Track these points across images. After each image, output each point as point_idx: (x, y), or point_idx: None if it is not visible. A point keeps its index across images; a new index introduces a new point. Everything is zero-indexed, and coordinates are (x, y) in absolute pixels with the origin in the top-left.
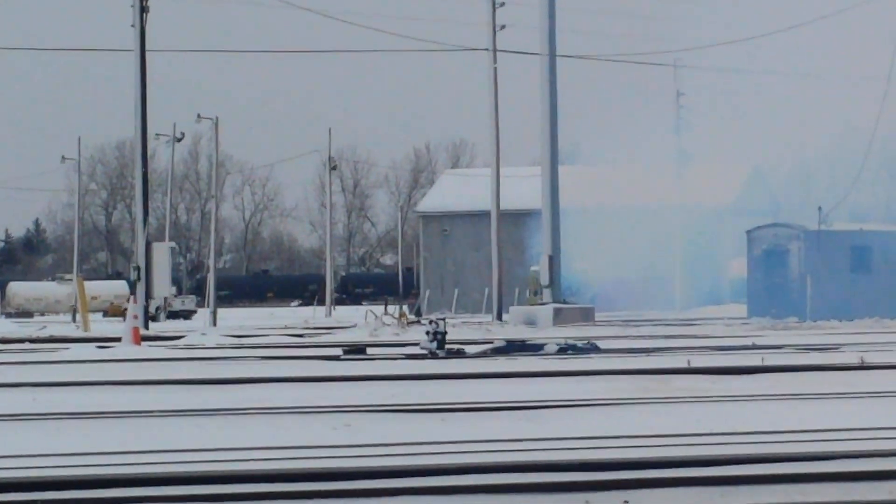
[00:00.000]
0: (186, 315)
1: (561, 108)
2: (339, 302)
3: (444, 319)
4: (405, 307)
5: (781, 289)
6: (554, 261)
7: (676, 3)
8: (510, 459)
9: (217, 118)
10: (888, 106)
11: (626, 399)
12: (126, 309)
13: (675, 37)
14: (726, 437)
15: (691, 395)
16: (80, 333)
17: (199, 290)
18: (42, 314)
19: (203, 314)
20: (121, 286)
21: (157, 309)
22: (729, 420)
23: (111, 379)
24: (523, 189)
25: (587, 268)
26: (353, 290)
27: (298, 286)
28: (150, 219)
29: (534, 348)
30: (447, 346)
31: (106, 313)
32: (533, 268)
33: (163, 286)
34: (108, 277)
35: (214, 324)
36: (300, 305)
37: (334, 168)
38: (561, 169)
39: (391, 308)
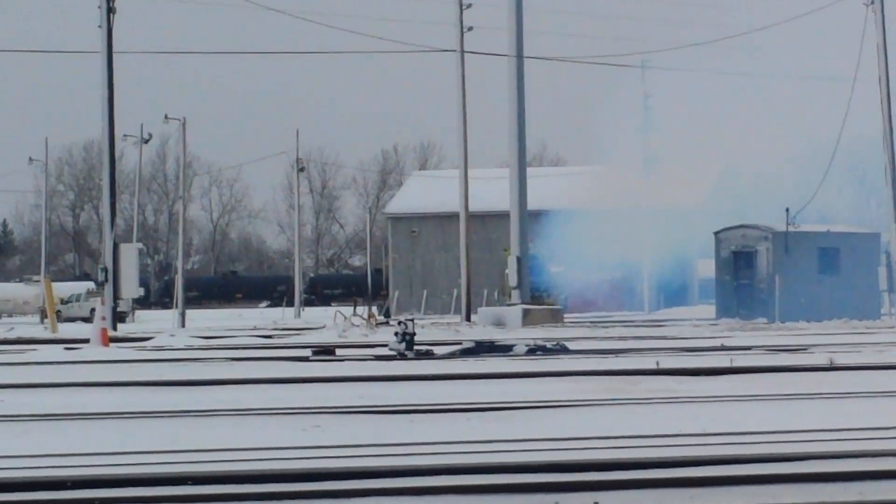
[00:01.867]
0: (121, 318)
1: (529, 110)
2: (307, 303)
3: (412, 320)
4: (374, 308)
5: (750, 290)
6: (522, 262)
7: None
8: (479, 461)
9: (184, 119)
10: (854, 107)
11: (595, 400)
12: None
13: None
14: (695, 438)
15: (660, 397)
16: (47, 335)
17: (167, 292)
18: (10, 315)
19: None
20: (88, 288)
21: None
22: (698, 421)
23: (79, 380)
24: (492, 190)
25: (561, 270)
26: (322, 292)
27: (267, 287)
28: (118, 220)
29: (503, 349)
30: (416, 348)
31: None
32: (507, 270)
33: (130, 287)
34: (76, 279)
35: (183, 325)
36: (269, 306)
37: (302, 169)
38: (529, 170)
39: (360, 309)
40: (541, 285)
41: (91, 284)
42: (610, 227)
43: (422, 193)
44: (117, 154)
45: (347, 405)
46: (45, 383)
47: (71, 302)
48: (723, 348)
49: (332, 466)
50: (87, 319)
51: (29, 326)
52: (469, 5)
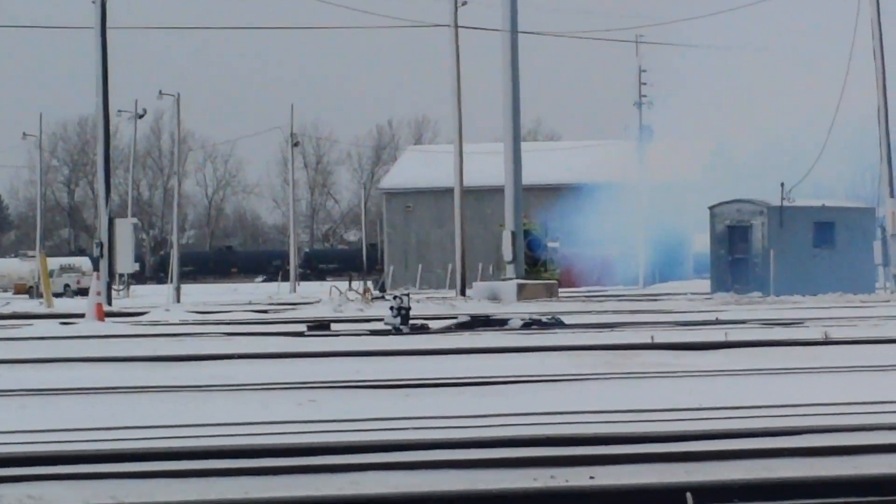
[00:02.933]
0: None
1: (523, 85)
2: (303, 278)
3: (408, 295)
4: (369, 283)
5: (744, 264)
6: (517, 237)
7: None
8: (475, 435)
9: (179, 94)
10: (851, 82)
11: (590, 374)
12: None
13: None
14: (690, 412)
15: (655, 371)
16: (43, 309)
17: (162, 267)
18: (5, 290)
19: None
20: (84, 262)
21: (66, 287)
22: (693, 395)
23: (74, 356)
24: (486, 165)
25: (556, 245)
26: (317, 266)
27: (262, 262)
28: (113, 195)
29: (498, 323)
30: (411, 322)
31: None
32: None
33: (126, 262)
34: (71, 254)
35: (178, 300)
36: (264, 281)
37: (296, 144)
38: (523, 145)
39: (355, 284)
40: (537, 260)
41: (65, 260)
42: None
43: (416, 168)
44: (112, 129)
45: (343, 380)
46: (40, 358)
47: None
48: (718, 322)
49: (328, 441)
50: (59, 295)
51: (24, 301)
52: None
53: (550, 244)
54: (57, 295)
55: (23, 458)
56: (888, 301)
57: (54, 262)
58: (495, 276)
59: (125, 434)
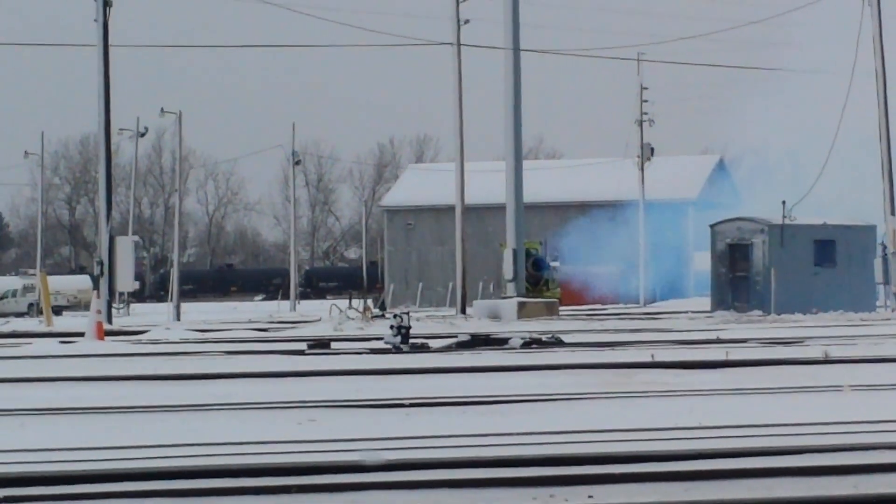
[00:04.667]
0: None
1: (525, 103)
2: (303, 296)
3: (408, 313)
4: (369, 301)
5: (745, 282)
6: (518, 255)
7: None
8: (475, 454)
9: (180, 112)
10: (852, 100)
11: (590, 393)
12: None
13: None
14: (691, 431)
15: (655, 390)
16: (43, 328)
17: (162, 285)
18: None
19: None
20: (84, 281)
21: (30, 306)
22: (693, 415)
23: (74, 374)
24: (488, 184)
25: (557, 264)
26: (318, 285)
27: (262, 280)
28: (114, 213)
29: (498, 342)
30: (411, 341)
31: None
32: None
33: (126, 280)
34: (72, 272)
35: (178, 318)
36: (264, 300)
37: (298, 163)
38: (525, 163)
39: (355, 302)
40: (539, 279)
41: (27, 280)
42: (607, 220)
43: (418, 186)
44: (113, 147)
45: (343, 399)
46: (39, 377)
47: (6, 298)
48: (718, 341)
49: (328, 460)
50: (21, 315)
51: (24, 320)
52: None
53: (551, 263)
54: (19, 315)
55: (23, 478)
56: (888, 319)
57: (15, 282)
58: (496, 295)
59: (125, 454)
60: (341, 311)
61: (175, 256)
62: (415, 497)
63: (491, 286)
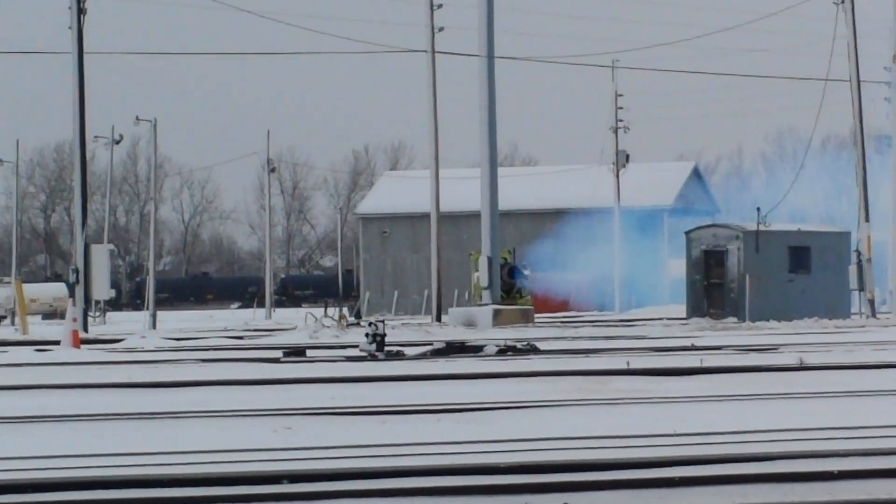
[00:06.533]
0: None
1: (500, 110)
2: (278, 304)
3: (383, 321)
4: (345, 309)
5: (720, 289)
6: (493, 262)
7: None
8: (450, 462)
9: (155, 120)
10: (826, 106)
11: (565, 401)
12: None
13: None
14: (666, 438)
15: (630, 397)
16: (18, 336)
17: (138, 293)
18: None
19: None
20: (60, 289)
21: None
22: (668, 421)
23: (50, 382)
24: (463, 191)
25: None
26: (293, 293)
27: (238, 288)
28: (89, 221)
29: (473, 350)
30: (387, 348)
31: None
32: (475, 273)
33: (102, 288)
34: (47, 280)
35: (154, 326)
36: (240, 307)
37: (273, 170)
38: (500, 170)
39: (331, 310)
40: (511, 286)
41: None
42: (582, 227)
43: (393, 194)
44: (88, 155)
45: (318, 406)
46: (15, 385)
47: None
48: (693, 348)
49: (303, 468)
50: None
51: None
52: (440, 5)
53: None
54: None
55: None
56: (863, 326)
57: None
58: (471, 302)
59: (99, 461)
60: (317, 319)
61: (151, 264)
62: None
63: (466, 294)
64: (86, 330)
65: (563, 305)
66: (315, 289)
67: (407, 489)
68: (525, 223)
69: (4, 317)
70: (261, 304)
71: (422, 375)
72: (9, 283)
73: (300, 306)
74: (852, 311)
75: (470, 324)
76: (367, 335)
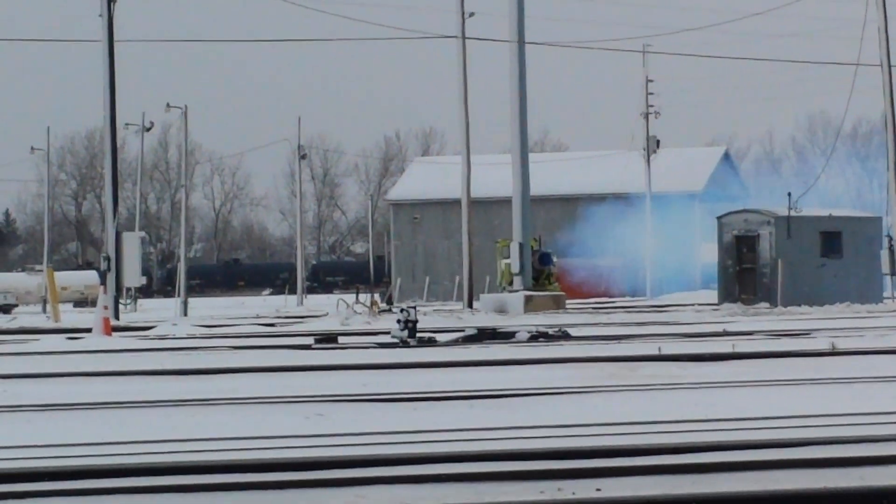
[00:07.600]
0: (6, 309)
1: (530, 96)
2: (310, 290)
3: (415, 307)
4: (376, 295)
5: (752, 274)
6: (524, 248)
7: None
8: (482, 448)
9: (186, 107)
10: (857, 91)
11: (597, 387)
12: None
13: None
14: (697, 424)
15: (662, 383)
16: (50, 324)
17: (169, 280)
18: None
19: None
20: (91, 276)
21: None
22: (700, 407)
23: (81, 370)
24: (493, 177)
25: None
26: (324, 279)
27: (269, 275)
28: (120, 208)
29: (505, 336)
30: (418, 335)
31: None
32: (505, 260)
33: (133, 276)
34: (79, 268)
35: (185, 313)
36: (271, 294)
37: (304, 157)
38: (531, 156)
39: (362, 296)
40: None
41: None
42: (613, 213)
43: (424, 180)
44: (119, 143)
45: (350, 393)
46: (47, 373)
47: None
48: (725, 333)
49: (335, 455)
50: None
51: (31, 316)
52: None
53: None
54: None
55: (28, 474)
56: (895, 311)
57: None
58: (503, 288)
59: (131, 449)
60: (348, 305)
61: (182, 251)
62: (421, 491)
63: (496, 281)
64: (117, 317)
65: (595, 291)
66: (346, 275)
67: (438, 475)
68: (556, 209)
69: (16, 305)
70: (292, 291)
71: (454, 362)
72: (41, 271)
73: (332, 293)
74: (884, 295)
75: (501, 310)
76: (398, 321)
